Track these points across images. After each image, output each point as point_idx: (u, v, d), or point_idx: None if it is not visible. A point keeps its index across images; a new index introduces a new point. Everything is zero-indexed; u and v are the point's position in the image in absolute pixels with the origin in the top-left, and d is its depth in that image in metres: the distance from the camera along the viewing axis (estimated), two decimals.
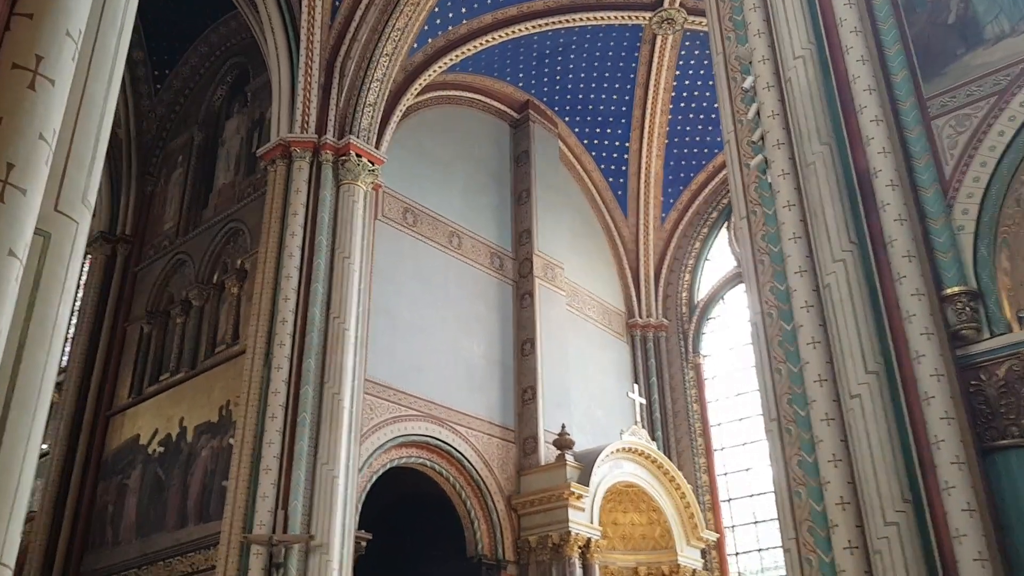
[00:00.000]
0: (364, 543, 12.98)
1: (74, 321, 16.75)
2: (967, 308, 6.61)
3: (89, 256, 17.39)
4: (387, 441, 14.00)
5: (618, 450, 16.16)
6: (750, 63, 8.81)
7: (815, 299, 7.13)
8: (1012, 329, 6.53)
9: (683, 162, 20.72)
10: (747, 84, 8.86)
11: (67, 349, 17.53)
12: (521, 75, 18.67)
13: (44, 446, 16.61)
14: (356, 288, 13.37)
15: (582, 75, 19.17)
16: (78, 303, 17.12)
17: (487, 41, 17.02)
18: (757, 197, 8.28)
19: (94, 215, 18.85)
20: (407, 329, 14.98)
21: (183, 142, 17.84)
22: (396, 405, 14.32)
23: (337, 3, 15.03)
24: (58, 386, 17.31)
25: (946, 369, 6.35)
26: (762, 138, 8.36)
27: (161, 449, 14.29)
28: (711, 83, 17.85)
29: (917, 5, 8.03)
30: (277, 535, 11.41)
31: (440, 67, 16.41)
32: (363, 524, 13.18)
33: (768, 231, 7.99)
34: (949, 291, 6.71)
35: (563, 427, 15.84)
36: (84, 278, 17.45)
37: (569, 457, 15.46)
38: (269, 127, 14.89)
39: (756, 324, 7.93)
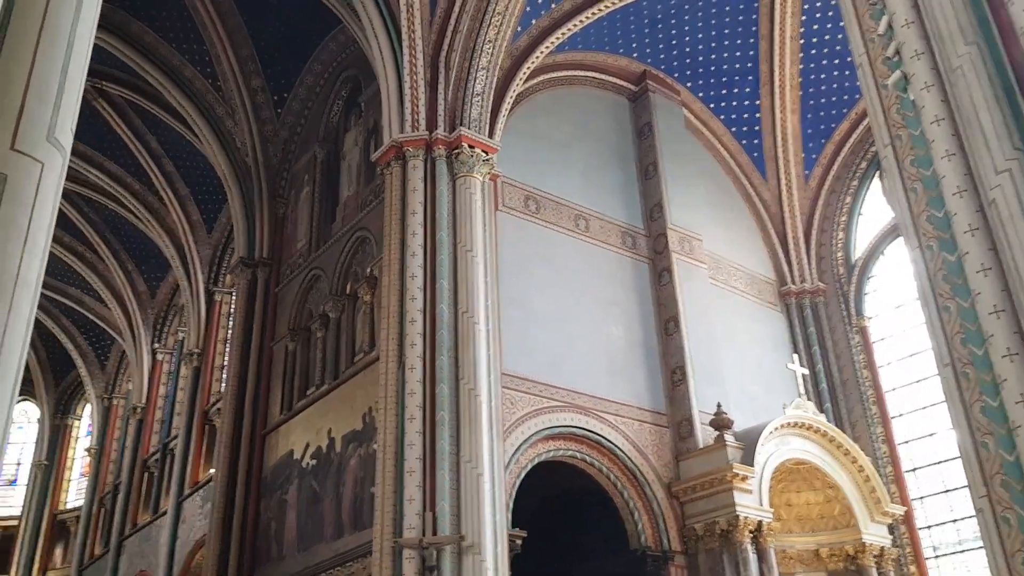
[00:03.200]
0: (519, 541, 12.55)
1: (227, 349, 17.29)
2: None
3: (233, 284, 17.96)
4: (532, 435, 13.56)
5: (783, 425, 15.10)
6: None
7: (980, 220, 6.11)
8: None
9: (821, 113, 19.28)
10: None
11: (224, 375, 18.16)
12: (634, 45, 17.88)
13: (209, 472, 17.22)
14: (482, 281, 13.03)
15: (699, 36, 18.16)
16: (229, 330, 17.68)
17: (594, 13, 16.33)
18: (900, 119, 7.28)
19: (232, 242, 19.52)
20: (542, 319, 14.50)
21: (307, 161, 18.14)
22: (537, 397, 13.86)
23: None
24: (216, 411, 17.94)
25: None
26: (898, 52, 7.36)
27: (314, 462, 14.43)
28: (842, 23, 16.47)
29: None
30: (427, 538, 11.17)
31: (547, 47, 15.87)
32: (517, 522, 12.78)
33: (917, 154, 6.99)
34: None
35: (719, 406, 14.94)
36: (232, 306, 18.03)
37: (729, 437, 14.54)
38: (382, 132, 14.80)
39: (916, 261, 6.96)
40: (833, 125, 19.32)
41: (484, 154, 14.15)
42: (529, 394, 13.79)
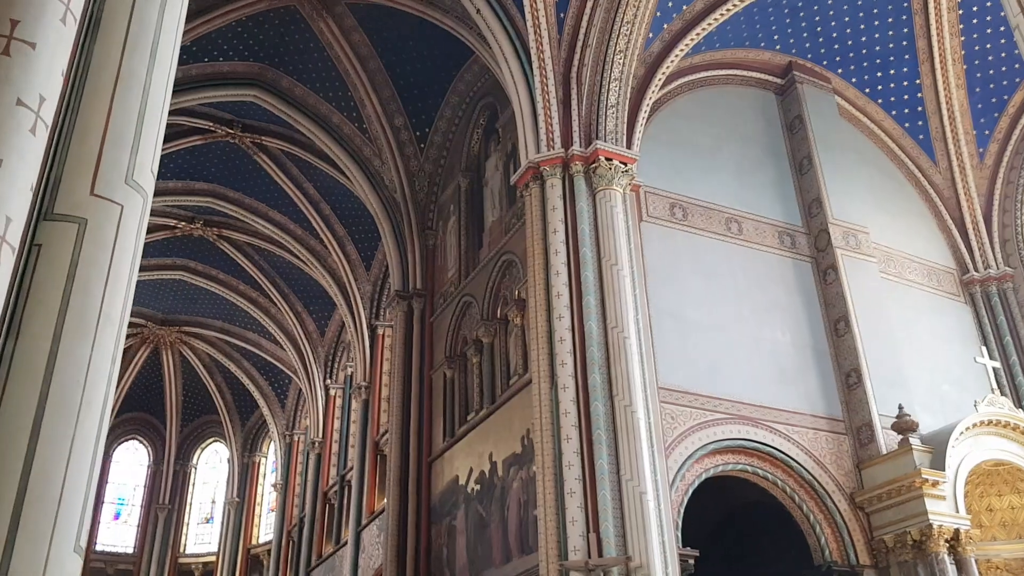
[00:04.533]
0: (691, 561, 12.09)
1: (386, 381, 17.79)
2: None
3: (391, 318, 18.51)
4: (696, 450, 13.06)
5: (976, 424, 13.88)
6: None
7: None
8: None
9: (991, 85, 17.79)
10: None
11: (389, 406, 18.67)
12: (776, 37, 17.17)
13: (383, 502, 17.69)
14: (630, 294, 12.75)
15: (846, 19, 17.22)
16: (387, 364, 18.23)
17: (728, 10, 15.80)
18: None
19: (389, 276, 20.18)
20: (697, 328, 14.02)
21: (452, 192, 18.51)
22: (699, 410, 13.36)
23: (561, 15, 14.75)
24: (385, 441, 18.45)
25: None
26: None
27: (478, 487, 14.52)
28: None
29: None
30: (593, 560, 10.93)
31: (681, 50, 15.48)
32: (689, 541, 12.31)
33: None
34: None
35: (900, 408, 13.92)
36: (390, 339, 18.56)
37: (915, 441, 13.51)
38: (519, 155, 14.88)
39: None
40: (1005, 97, 17.77)
41: (623, 165, 13.91)
42: (690, 407, 13.32)
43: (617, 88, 14.38)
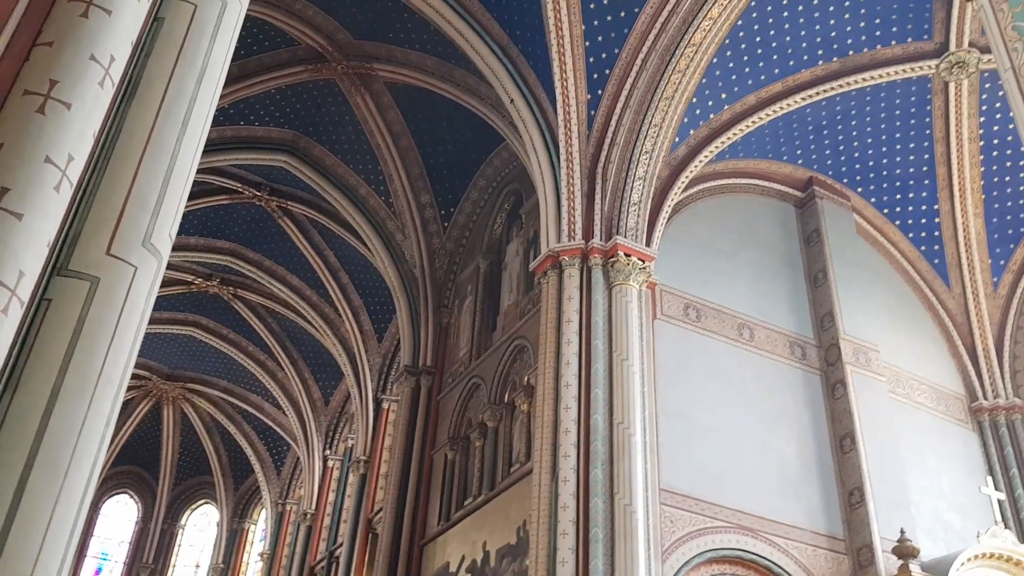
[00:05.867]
0: None
1: (386, 457, 17.62)
2: None
3: (397, 393, 18.44)
4: (694, 556, 12.79)
5: (977, 556, 13.55)
6: None
7: None
8: None
9: (1008, 217, 17.96)
10: None
11: (386, 482, 18.43)
12: (799, 151, 17.47)
13: None
14: (638, 391, 12.71)
15: (869, 141, 17.53)
16: (388, 439, 18.07)
17: (754, 122, 16.18)
18: None
19: (397, 349, 20.19)
20: (704, 432, 13.89)
21: (471, 272, 18.67)
22: (700, 516, 13.14)
23: (592, 112, 15.12)
24: (379, 519, 18.15)
25: None
26: None
27: None
28: None
29: None
30: None
31: (706, 156, 15.79)
32: None
33: None
34: None
35: (902, 532, 13.61)
36: (394, 415, 18.46)
37: (915, 567, 13.18)
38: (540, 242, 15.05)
39: None
40: (1022, 229, 17.93)
41: (640, 262, 14.05)
42: (690, 512, 13.10)
43: (641, 187, 14.62)
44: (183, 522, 30.72)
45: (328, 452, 24.40)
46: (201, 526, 30.84)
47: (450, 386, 17.72)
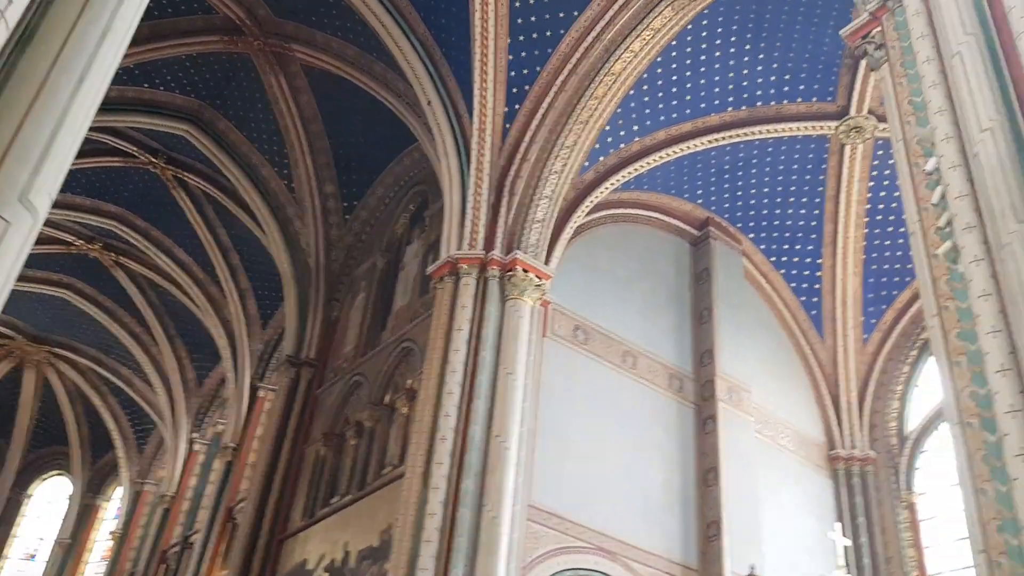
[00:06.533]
0: None
1: (256, 447, 17.23)
2: None
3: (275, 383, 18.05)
4: (553, 574, 13.00)
5: None
6: (932, 144, 7.90)
7: (1022, 402, 5.85)
8: None
9: (884, 279, 19.02)
10: (930, 166, 7.92)
11: (252, 472, 18.02)
12: (700, 192, 18.06)
13: (222, 573, 16.87)
14: (519, 406, 12.85)
15: (766, 190, 18.28)
16: (261, 429, 17.66)
17: (661, 158, 16.63)
18: (948, 290, 7.18)
19: (281, 338, 19.80)
20: (578, 453, 14.13)
21: (367, 269, 18.49)
22: (564, 535, 13.36)
23: (507, 126, 15.27)
24: (241, 509, 17.72)
25: None
26: (949, 223, 7.32)
27: (326, 575, 14.03)
28: None
29: None
30: None
31: (612, 184, 16.14)
32: None
33: (963, 327, 6.85)
34: None
35: (751, 568, 14.21)
36: (270, 404, 18.07)
37: None
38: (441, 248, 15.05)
39: (955, 437, 6.74)
40: (895, 292, 19.01)
41: (538, 279, 14.23)
42: (555, 530, 13.31)
43: (547, 205, 14.83)
44: (30, 491, 29.09)
45: (195, 435, 23.63)
46: (50, 497, 29.28)
47: (331, 381, 17.48)
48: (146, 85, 18.53)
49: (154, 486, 25.41)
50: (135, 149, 19.86)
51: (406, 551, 11.58)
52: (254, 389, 20.78)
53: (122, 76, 17.94)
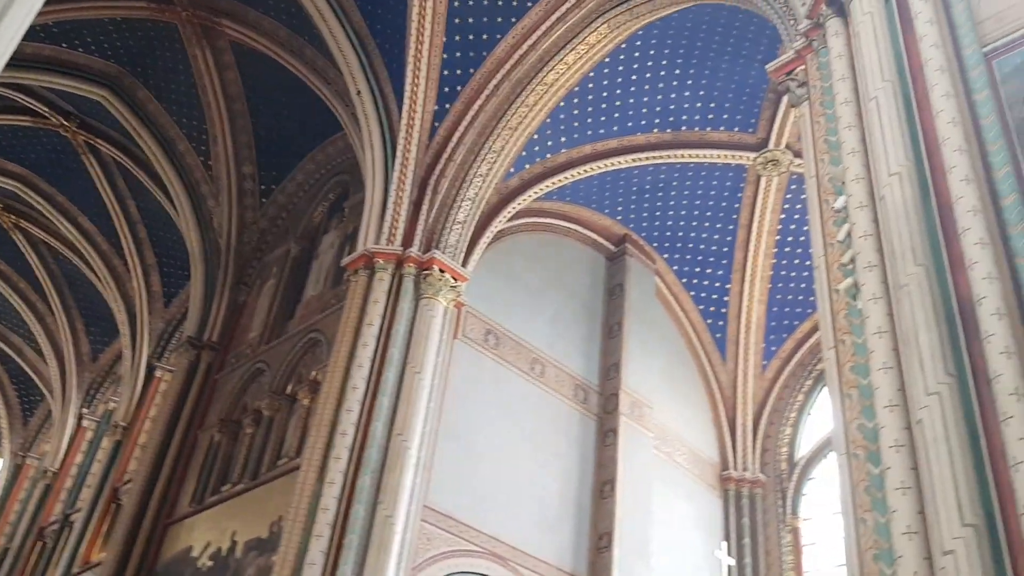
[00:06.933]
0: None
1: (148, 427, 16.73)
2: None
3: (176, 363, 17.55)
4: None
5: None
6: (843, 183, 8.21)
7: (906, 437, 6.13)
8: None
9: (787, 309, 19.65)
10: (839, 204, 8.24)
11: (142, 453, 17.48)
12: (620, 208, 18.33)
13: (102, 554, 16.31)
14: (424, 406, 12.80)
15: (683, 212, 18.68)
16: (155, 410, 17.15)
17: (585, 171, 16.82)
18: (847, 325, 7.47)
19: (184, 318, 19.28)
20: (479, 457, 14.16)
21: (280, 255, 18.16)
22: (456, 538, 13.36)
23: (436, 124, 15.22)
24: (127, 491, 17.16)
25: None
26: (852, 260, 7.62)
27: (210, 563, 13.71)
28: None
29: None
30: None
31: (535, 193, 16.25)
32: None
33: (857, 361, 7.14)
34: None
35: None
36: (166, 385, 17.57)
37: None
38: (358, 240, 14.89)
39: (841, 467, 7.01)
40: (796, 322, 19.66)
41: (453, 280, 14.22)
42: (448, 533, 13.29)
43: (469, 207, 14.83)
44: None
45: (85, 411, 22.75)
46: None
47: (232, 366, 17.08)
48: (64, 45, 17.81)
49: (37, 460, 24.38)
50: (46, 110, 19.05)
51: (295, 544, 11.41)
52: (151, 368, 20.13)
53: (39, 33, 17.22)
